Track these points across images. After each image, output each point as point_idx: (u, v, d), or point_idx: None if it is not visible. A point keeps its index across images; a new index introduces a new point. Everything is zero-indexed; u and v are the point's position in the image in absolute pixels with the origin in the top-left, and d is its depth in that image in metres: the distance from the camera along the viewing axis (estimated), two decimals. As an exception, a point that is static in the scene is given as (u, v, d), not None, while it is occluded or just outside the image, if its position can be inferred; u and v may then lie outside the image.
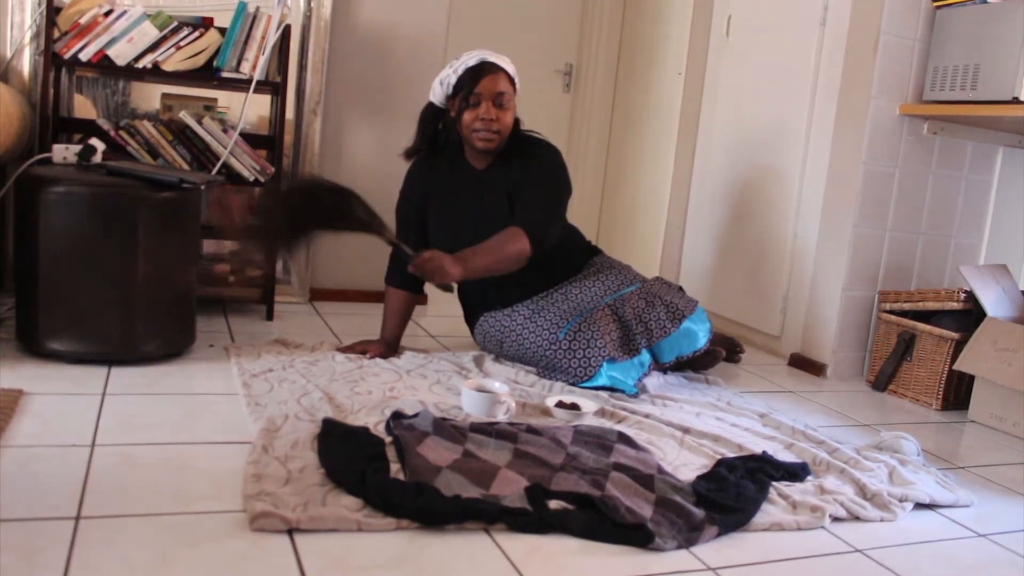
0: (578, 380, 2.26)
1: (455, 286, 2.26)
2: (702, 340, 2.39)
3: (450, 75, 2.32)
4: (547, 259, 2.42)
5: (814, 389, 2.66)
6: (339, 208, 2.08)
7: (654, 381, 2.44)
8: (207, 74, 2.67)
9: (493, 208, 2.39)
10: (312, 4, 2.99)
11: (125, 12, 2.57)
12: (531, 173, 2.36)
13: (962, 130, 2.83)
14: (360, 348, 2.40)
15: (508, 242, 2.22)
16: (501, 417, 1.95)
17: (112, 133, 2.58)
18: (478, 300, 2.51)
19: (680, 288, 2.46)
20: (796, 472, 1.77)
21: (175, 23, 2.62)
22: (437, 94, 2.37)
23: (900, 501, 1.71)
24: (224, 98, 3.04)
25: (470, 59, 2.30)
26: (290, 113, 3.01)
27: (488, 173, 2.42)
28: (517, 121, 2.41)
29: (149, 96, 3.01)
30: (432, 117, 2.40)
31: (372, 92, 3.16)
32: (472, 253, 2.18)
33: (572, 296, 2.41)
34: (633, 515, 1.47)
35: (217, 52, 2.65)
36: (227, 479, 1.50)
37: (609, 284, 2.42)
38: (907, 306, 2.69)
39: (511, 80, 2.33)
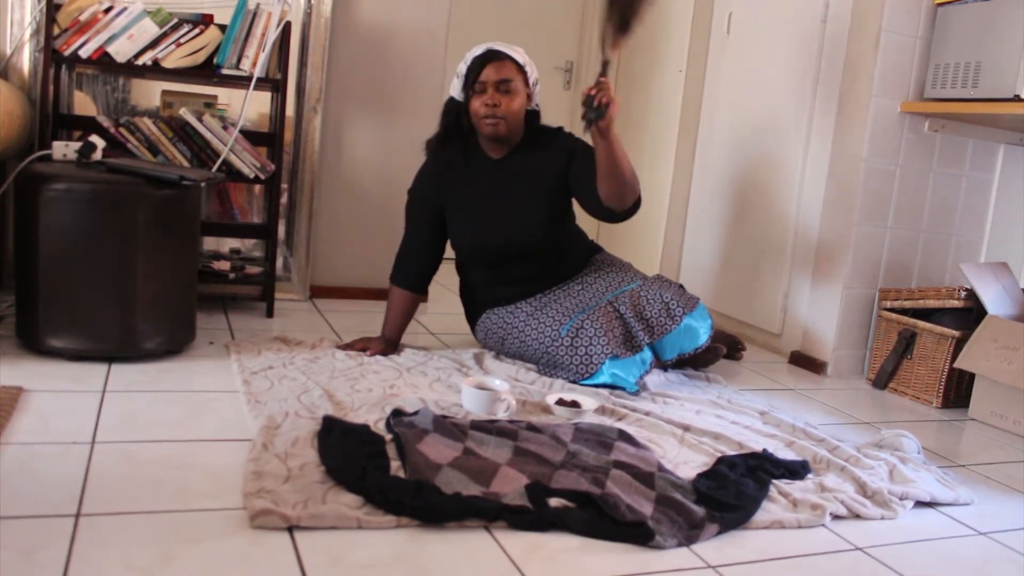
0: (580, 377, 2.26)
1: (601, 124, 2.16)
2: (703, 337, 2.40)
3: (462, 66, 2.37)
4: (554, 257, 2.44)
5: (814, 387, 2.66)
6: None
7: (654, 379, 2.44)
8: (207, 71, 2.66)
9: (513, 197, 2.41)
10: (312, 1, 2.98)
11: (125, 9, 2.56)
12: (577, 146, 2.42)
13: (963, 128, 2.82)
14: (360, 345, 2.40)
15: (631, 169, 2.27)
16: (501, 415, 1.95)
17: (112, 130, 2.57)
18: (484, 295, 2.51)
19: (680, 286, 2.46)
20: (796, 470, 1.77)
21: (175, 20, 2.61)
22: (455, 87, 2.41)
23: (901, 499, 1.70)
24: (224, 95, 3.03)
25: (478, 49, 2.36)
26: (290, 110, 3.00)
27: (506, 162, 2.44)
28: (536, 114, 2.45)
29: (149, 93, 3.01)
30: (453, 109, 2.43)
31: (372, 89, 3.16)
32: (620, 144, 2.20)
33: (574, 293, 2.41)
34: (633, 513, 1.47)
35: (217, 49, 2.65)
36: (227, 476, 1.50)
37: (610, 281, 2.42)
38: (908, 304, 2.69)
39: (520, 68, 2.36)
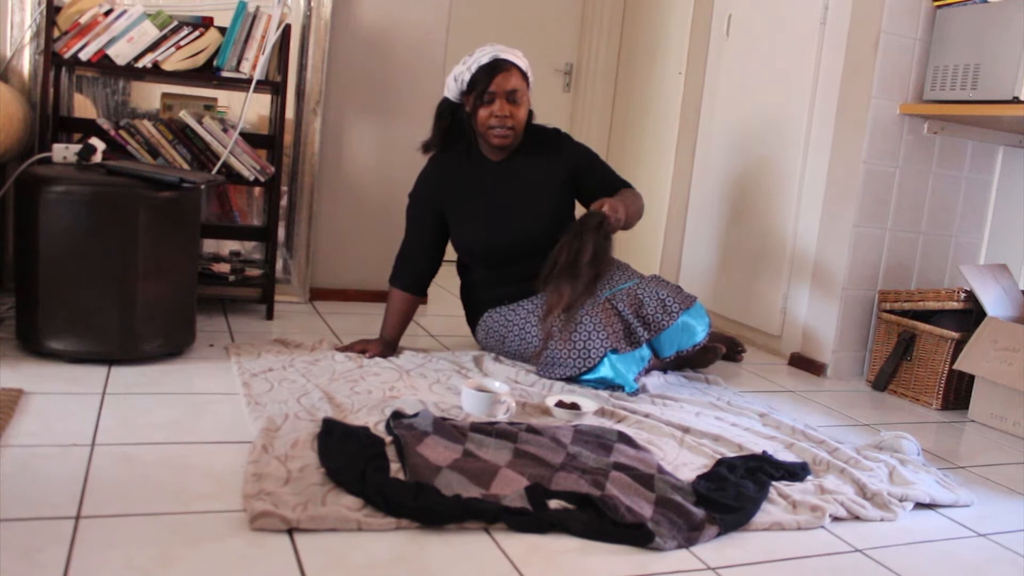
0: (578, 372, 2.26)
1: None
2: (700, 334, 2.40)
3: (464, 72, 2.35)
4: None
5: (814, 389, 2.66)
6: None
7: (654, 381, 2.44)
8: (207, 73, 2.66)
9: (516, 199, 2.43)
10: (312, 3, 2.99)
11: (125, 11, 2.57)
12: (582, 159, 2.50)
13: (962, 129, 2.82)
14: (359, 347, 2.40)
15: (636, 197, 2.42)
16: (501, 417, 1.95)
17: (112, 132, 2.58)
18: (486, 295, 2.51)
19: (677, 286, 2.47)
20: (796, 472, 1.77)
21: (175, 22, 2.62)
22: (452, 90, 2.40)
23: (900, 501, 1.71)
24: (224, 97, 3.04)
25: (483, 56, 2.34)
26: (290, 112, 3.01)
27: (506, 164, 2.46)
28: (531, 114, 2.46)
29: (149, 95, 3.01)
30: (448, 111, 2.44)
31: (372, 91, 3.16)
32: (621, 202, 2.27)
33: None
34: (633, 515, 1.47)
35: (217, 51, 2.65)
36: (227, 478, 1.50)
37: (607, 279, 2.42)
38: (907, 306, 2.69)
39: (524, 75, 2.37)
